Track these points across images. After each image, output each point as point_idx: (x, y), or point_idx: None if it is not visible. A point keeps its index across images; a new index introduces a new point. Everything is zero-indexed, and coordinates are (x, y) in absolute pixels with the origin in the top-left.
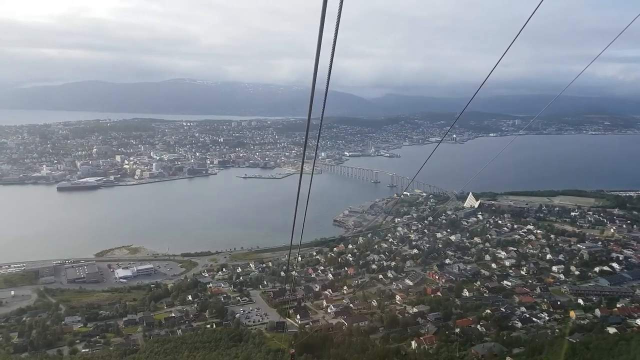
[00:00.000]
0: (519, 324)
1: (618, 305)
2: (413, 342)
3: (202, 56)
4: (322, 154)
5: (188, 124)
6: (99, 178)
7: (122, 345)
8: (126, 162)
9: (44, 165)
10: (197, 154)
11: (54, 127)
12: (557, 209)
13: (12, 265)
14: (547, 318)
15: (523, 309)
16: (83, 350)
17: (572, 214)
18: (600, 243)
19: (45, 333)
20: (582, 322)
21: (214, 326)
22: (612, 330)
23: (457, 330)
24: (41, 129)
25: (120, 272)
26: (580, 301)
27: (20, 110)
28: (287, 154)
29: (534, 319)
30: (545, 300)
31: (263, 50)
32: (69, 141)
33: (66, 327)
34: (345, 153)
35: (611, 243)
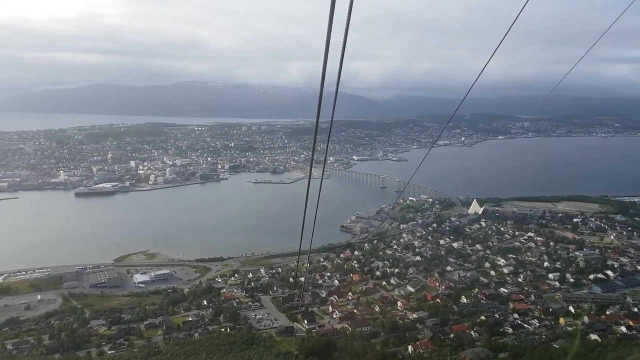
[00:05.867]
0: (510, 330)
1: (607, 312)
2: (410, 347)
3: (213, 59)
4: (331, 158)
5: (199, 128)
6: (114, 184)
7: (145, 348)
8: (140, 167)
9: (61, 171)
10: (209, 158)
11: (70, 132)
12: (560, 215)
13: (36, 271)
14: (537, 324)
15: (516, 315)
16: (109, 352)
17: (575, 220)
18: (597, 250)
19: (74, 336)
20: (570, 328)
21: (228, 330)
22: (594, 336)
23: (452, 335)
24: (57, 134)
25: (138, 277)
26: (571, 308)
27: (33, 113)
28: (296, 158)
29: (525, 325)
30: (538, 307)
31: (272, 53)
32: (84, 146)
33: (92, 330)
34: (354, 157)
35: (609, 250)
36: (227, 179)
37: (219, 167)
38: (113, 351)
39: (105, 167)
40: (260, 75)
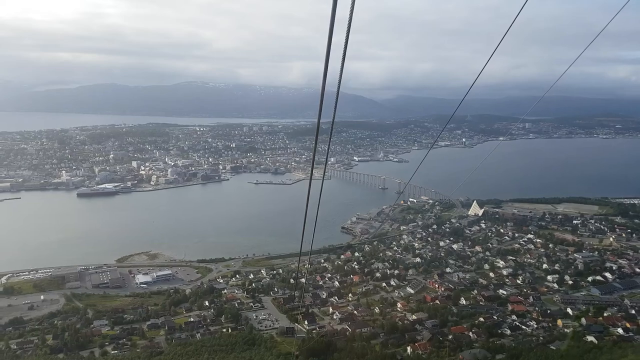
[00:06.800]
0: (508, 332)
1: (605, 314)
2: (409, 348)
3: (215, 59)
4: (332, 159)
5: (201, 129)
6: (116, 184)
7: (148, 348)
8: (142, 168)
9: (63, 171)
10: (210, 159)
11: (72, 132)
12: (560, 217)
13: (40, 271)
14: (535, 326)
15: (514, 317)
16: (112, 352)
17: (574, 222)
18: (596, 252)
19: (77, 336)
20: (567, 330)
21: (230, 330)
22: (591, 338)
23: (451, 337)
24: (59, 134)
25: (140, 278)
26: (569, 310)
27: (35, 112)
28: (297, 159)
29: (523, 327)
30: (536, 309)
31: (274, 54)
32: (86, 147)
33: (95, 330)
34: (355, 158)
35: (608, 252)
36: (228, 179)
37: (221, 167)
38: (116, 351)
39: (107, 168)
40: (262, 75)
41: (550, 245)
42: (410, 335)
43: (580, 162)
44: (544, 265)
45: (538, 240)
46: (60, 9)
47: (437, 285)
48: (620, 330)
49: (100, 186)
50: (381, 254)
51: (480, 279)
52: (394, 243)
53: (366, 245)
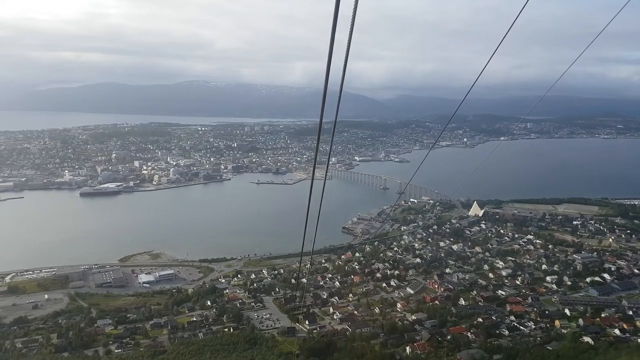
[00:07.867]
0: (506, 332)
1: (602, 315)
2: (408, 348)
3: (216, 59)
4: (333, 159)
5: (203, 128)
6: (119, 184)
7: (151, 347)
8: (144, 167)
9: (66, 171)
10: (212, 159)
11: (74, 131)
12: (560, 217)
13: (43, 270)
14: (533, 327)
15: (512, 317)
16: (116, 351)
17: (574, 222)
18: (595, 253)
19: (81, 335)
20: (564, 331)
21: (232, 330)
22: (587, 339)
23: (449, 337)
24: (62, 134)
25: (143, 277)
26: (567, 311)
27: (37, 112)
28: (298, 159)
29: (521, 327)
30: (534, 309)
31: (276, 53)
32: (88, 146)
33: (99, 329)
34: (356, 158)
35: (607, 253)
36: (230, 179)
37: (222, 167)
38: (120, 350)
39: (110, 167)
40: (264, 75)
41: (550, 246)
42: (409, 336)
43: (581, 163)
44: (543, 266)
45: (538, 241)
46: (63, 8)
47: (436, 286)
48: (617, 332)
49: (102, 186)
50: (382, 255)
51: (479, 280)
52: (395, 243)
53: (367, 246)
